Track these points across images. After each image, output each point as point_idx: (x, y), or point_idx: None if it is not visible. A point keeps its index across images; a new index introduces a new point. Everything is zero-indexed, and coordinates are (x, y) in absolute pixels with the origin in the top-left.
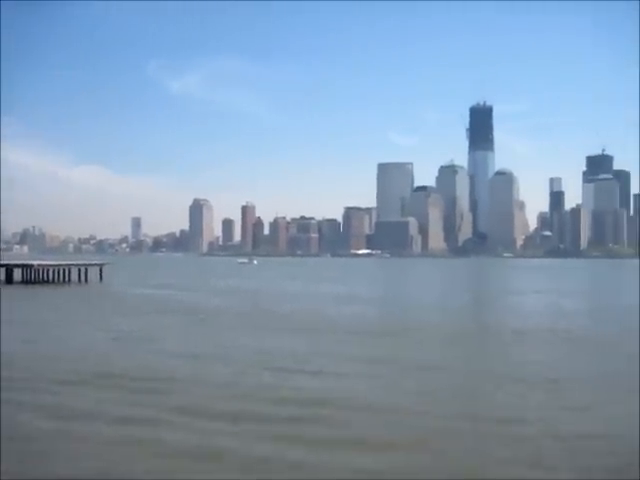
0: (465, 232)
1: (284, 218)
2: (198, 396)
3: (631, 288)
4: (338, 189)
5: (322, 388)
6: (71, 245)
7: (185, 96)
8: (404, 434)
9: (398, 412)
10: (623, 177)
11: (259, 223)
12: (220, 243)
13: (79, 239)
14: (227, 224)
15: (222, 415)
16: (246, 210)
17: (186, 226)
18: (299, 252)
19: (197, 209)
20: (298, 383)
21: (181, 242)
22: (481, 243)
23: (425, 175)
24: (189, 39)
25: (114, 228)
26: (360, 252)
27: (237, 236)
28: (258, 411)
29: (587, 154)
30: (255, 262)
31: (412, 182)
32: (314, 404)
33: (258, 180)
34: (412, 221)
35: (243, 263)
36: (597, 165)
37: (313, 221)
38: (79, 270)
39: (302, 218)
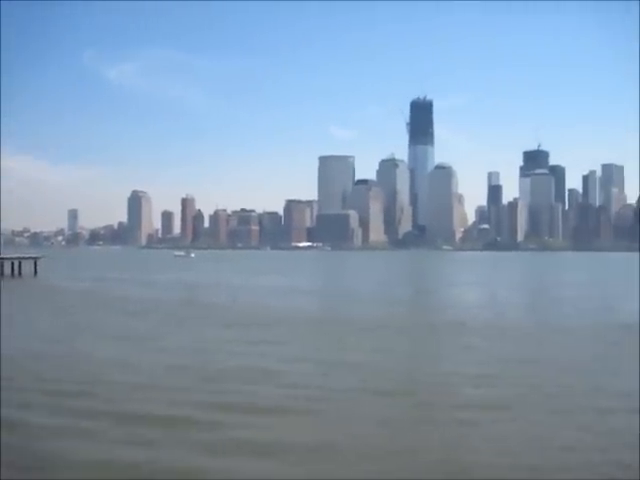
0: (405, 225)
1: (224, 211)
2: (118, 400)
3: (564, 280)
4: (279, 182)
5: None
6: (3, 238)
7: (122, 86)
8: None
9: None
10: (558, 172)
11: (199, 216)
12: (159, 236)
13: (12, 232)
14: (166, 216)
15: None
16: (186, 202)
17: (124, 218)
18: (239, 245)
19: (136, 201)
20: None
21: (119, 235)
22: (421, 236)
23: (366, 168)
24: (127, 29)
25: (49, 220)
26: (301, 245)
27: (177, 229)
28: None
29: (524, 149)
30: (192, 255)
31: (353, 175)
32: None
33: (198, 172)
34: (353, 214)
35: (179, 256)
36: (533, 160)
37: (254, 214)
38: (12, 264)
39: (243, 211)
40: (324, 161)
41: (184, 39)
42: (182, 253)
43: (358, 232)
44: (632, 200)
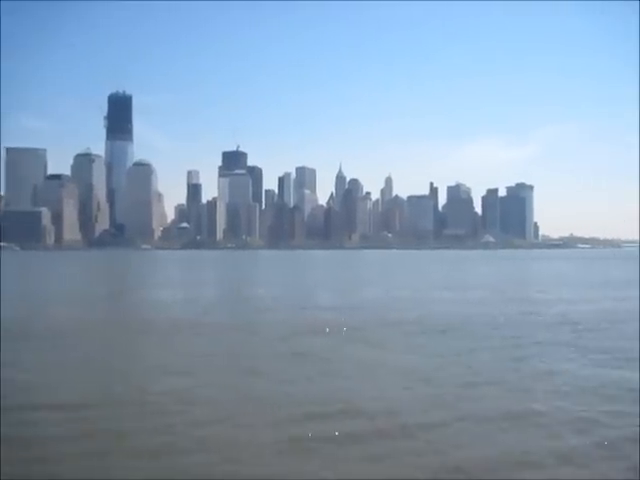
0: (102, 223)
1: None
2: None
3: (259, 277)
4: None
5: None
6: None
7: None
8: None
9: None
10: (256, 173)
11: None
12: None
13: None
14: None
15: None
16: None
17: None
18: None
19: None
20: None
21: None
22: (119, 234)
23: (60, 163)
24: None
25: None
26: None
27: None
28: None
29: (223, 150)
30: None
31: (45, 170)
32: None
33: None
34: (45, 211)
35: None
36: (232, 161)
37: None
38: None
39: None
40: (12, 153)
41: None
42: None
43: (51, 230)
44: (322, 201)
